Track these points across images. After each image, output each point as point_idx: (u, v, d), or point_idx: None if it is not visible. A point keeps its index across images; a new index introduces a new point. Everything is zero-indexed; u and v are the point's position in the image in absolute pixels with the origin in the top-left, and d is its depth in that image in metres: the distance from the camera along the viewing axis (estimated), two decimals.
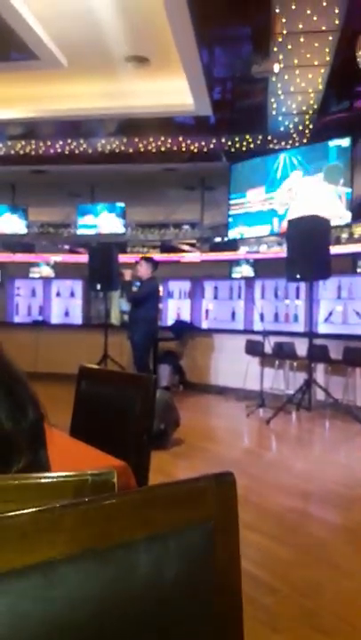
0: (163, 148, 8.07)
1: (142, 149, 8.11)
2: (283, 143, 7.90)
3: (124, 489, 0.66)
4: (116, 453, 1.35)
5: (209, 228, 9.36)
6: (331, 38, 5.12)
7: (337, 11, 4.70)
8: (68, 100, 6.66)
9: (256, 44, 5.27)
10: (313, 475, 4.13)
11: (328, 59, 5.47)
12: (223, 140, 7.86)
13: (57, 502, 0.56)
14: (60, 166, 8.71)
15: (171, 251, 9.30)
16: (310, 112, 6.82)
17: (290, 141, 7.82)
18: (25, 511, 0.54)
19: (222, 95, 6.49)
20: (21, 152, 8.33)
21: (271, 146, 7.99)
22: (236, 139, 7.83)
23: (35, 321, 9.62)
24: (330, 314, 7.84)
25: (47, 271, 9.79)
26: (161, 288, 8.04)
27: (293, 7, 4.65)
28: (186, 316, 9.07)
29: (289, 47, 5.29)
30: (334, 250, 6.66)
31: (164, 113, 6.82)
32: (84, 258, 8.65)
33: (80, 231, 9.52)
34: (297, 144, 7.83)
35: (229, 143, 7.96)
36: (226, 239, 8.83)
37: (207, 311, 9.12)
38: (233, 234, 8.62)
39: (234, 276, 8.76)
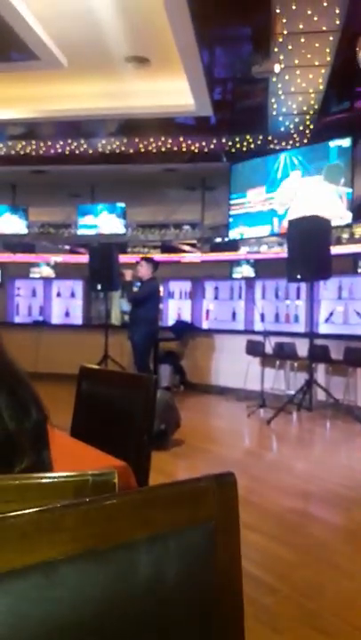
0: (163, 149, 8.06)
1: (143, 150, 8.11)
2: (283, 143, 7.89)
3: (124, 489, 0.65)
4: (117, 454, 1.35)
5: (209, 228, 9.36)
6: (331, 38, 5.12)
7: (338, 11, 4.70)
8: (69, 100, 6.66)
9: (256, 45, 5.27)
10: (314, 475, 4.13)
11: (329, 59, 5.47)
12: (224, 141, 7.85)
13: (58, 502, 0.56)
14: (61, 166, 8.71)
15: (171, 251, 9.30)
16: (311, 112, 6.82)
17: (290, 141, 7.81)
18: (26, 511, 0.54)
19: (223, 95, 6.50)
20: (22, 152, 8.33)
21: (272, 146, 7.98)
22: (237, 139, 7.83)
23: (35, 321, 9.62)
24: (331, 314, 7.84)
25: (47, 271, 9.79)
26: (161, 288, 8.03)
27: (294, 7, 4.65)
28: (186, 317, 9.07)
29: (289, 47, 5.29)
30: (335, 250, 6.66)
31: (165, 113, 6.81)
32: (84, 258, 8.64)
33: (80, 231, 9.52)
34: (297, 144, 7.83)
35: (230, 143, 7.96)
36: (226, 239, 8.82)
37: (208, 311, 9.12)
38: (233, 234, 8.61)
39: (234, 276, 8.76)
